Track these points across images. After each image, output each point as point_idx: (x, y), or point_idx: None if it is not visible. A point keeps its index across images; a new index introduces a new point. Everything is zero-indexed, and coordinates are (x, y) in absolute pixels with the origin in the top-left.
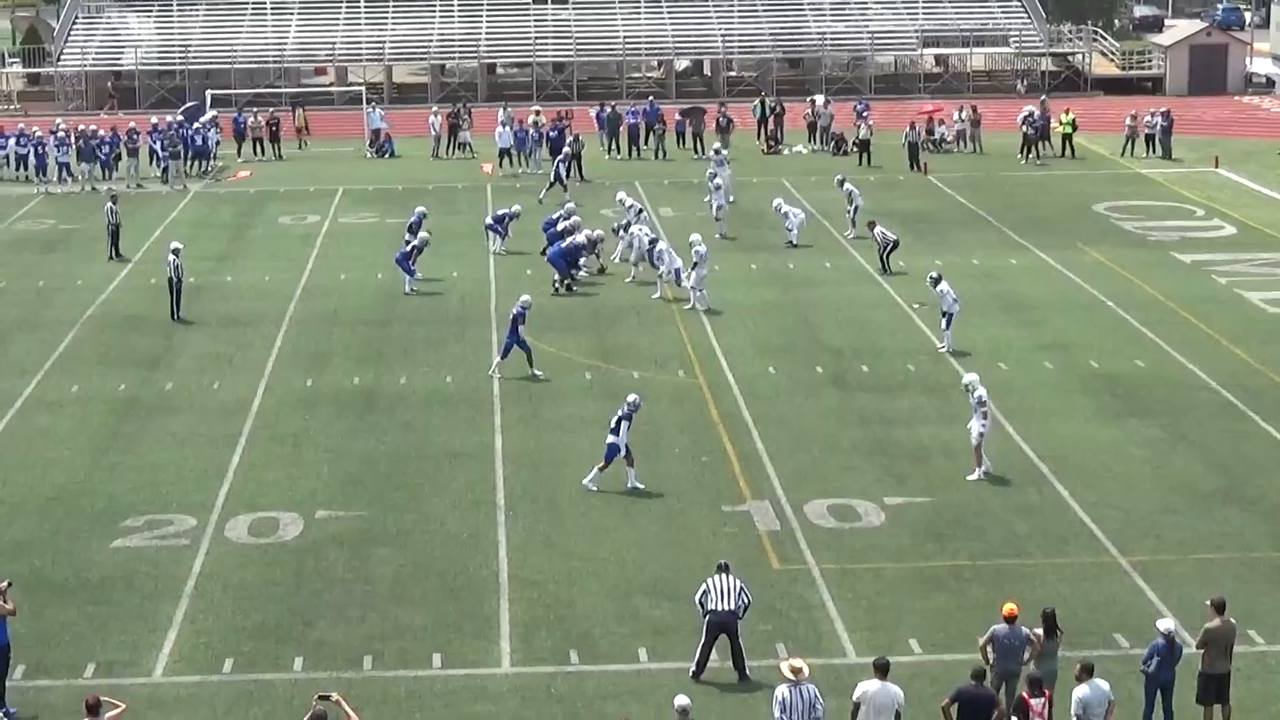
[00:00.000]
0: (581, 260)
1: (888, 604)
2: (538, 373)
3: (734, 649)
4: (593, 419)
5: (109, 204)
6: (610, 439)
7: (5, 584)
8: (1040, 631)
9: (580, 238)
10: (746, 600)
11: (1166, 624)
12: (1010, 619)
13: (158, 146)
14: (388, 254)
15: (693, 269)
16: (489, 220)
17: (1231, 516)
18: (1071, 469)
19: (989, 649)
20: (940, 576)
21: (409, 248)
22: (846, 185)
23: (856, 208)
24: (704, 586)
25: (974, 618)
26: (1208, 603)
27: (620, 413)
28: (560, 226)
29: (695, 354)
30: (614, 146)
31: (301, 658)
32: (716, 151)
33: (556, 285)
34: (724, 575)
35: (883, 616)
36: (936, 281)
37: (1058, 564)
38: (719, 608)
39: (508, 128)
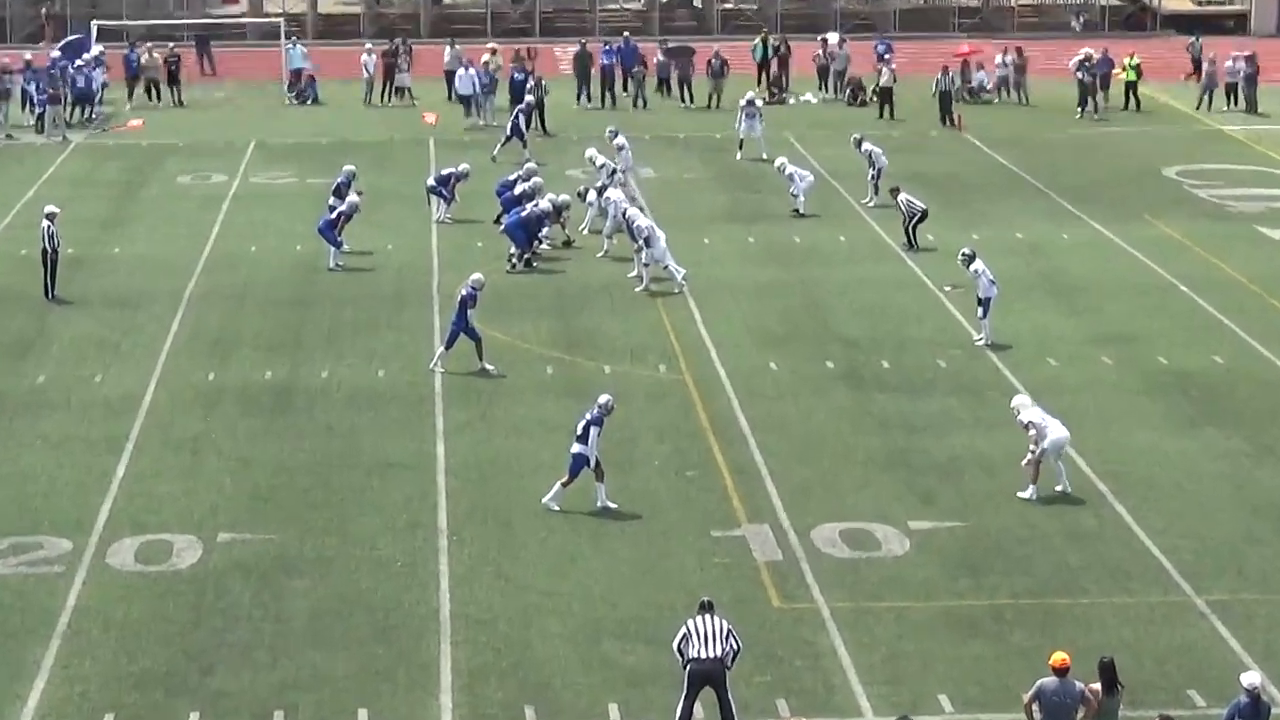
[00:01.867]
0: (544, 230)
1: (912, 651)
2: (489, 366)
3: (722, 705)
4: (554, 423)
5: None
6: (576, 448)
7: None
8: (1097, 686)
9: (544, 204)
10: (736, 646)
11: (1251, 678)
12: (1061, 671)
13: (31, 89)
14: (309, 221)
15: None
16: (431, 182)
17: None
18: (1136, 488)
19: (1035, 707)
20: (976, 618)
21: (334, 214)
22: (866, 145)
23: (880, 171)
24: (683, 630)
25: (1017, 668)
26: None
27: (589, 416)
28: (519, 190)
29: (679, 344)
30: (584, 93)
31: (198, 712)
32: (749, 103)
33: (513, 260)
34: (708, 616)
35: (906, 666)
36: (970, 260)
37: (1119, 604)
38: (702, 655)
39: (469, 70)
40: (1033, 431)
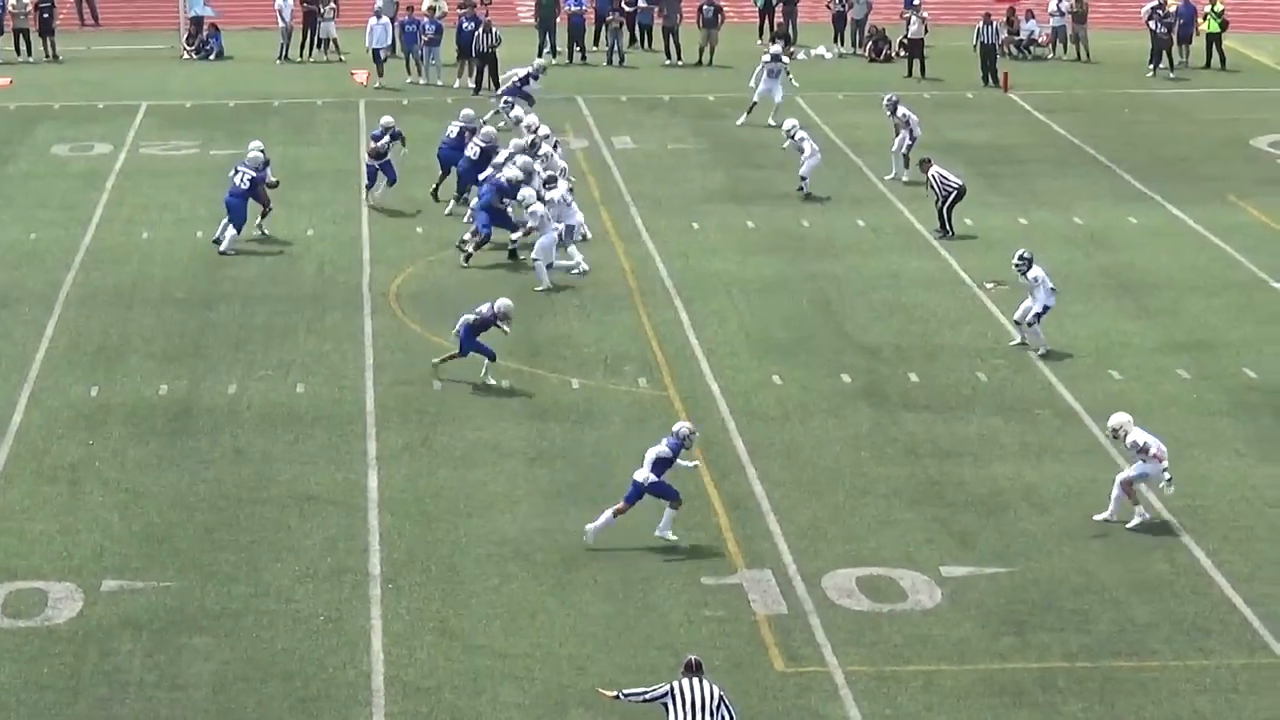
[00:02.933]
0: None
1: None
2: (492, 381)
3: None
4: (510, 448)
5: None
6: (646, 476)
7: None
8: None
9: (513, 170)
10: (729, 717)
11: None
12: None
13: None
14: (213, 202)
15: (523, 232)
16: (370, 159)
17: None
18: (1218, 527)
19: None
20: (1023, 684)
21: (245, 182)
22: (902, 109)
23: (915, 141)
24: (666, 689)
25: None
26: None
27: (664, 443)
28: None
29: (663, 353)
30: (548, 47)
31: None
32: (775, 58)
33: (466, 246)
34: (696, 680)
35: None
36: (1027, 266)
37: (1195, 666)
38: None
39: (383, 19)
40: (1153, 450)
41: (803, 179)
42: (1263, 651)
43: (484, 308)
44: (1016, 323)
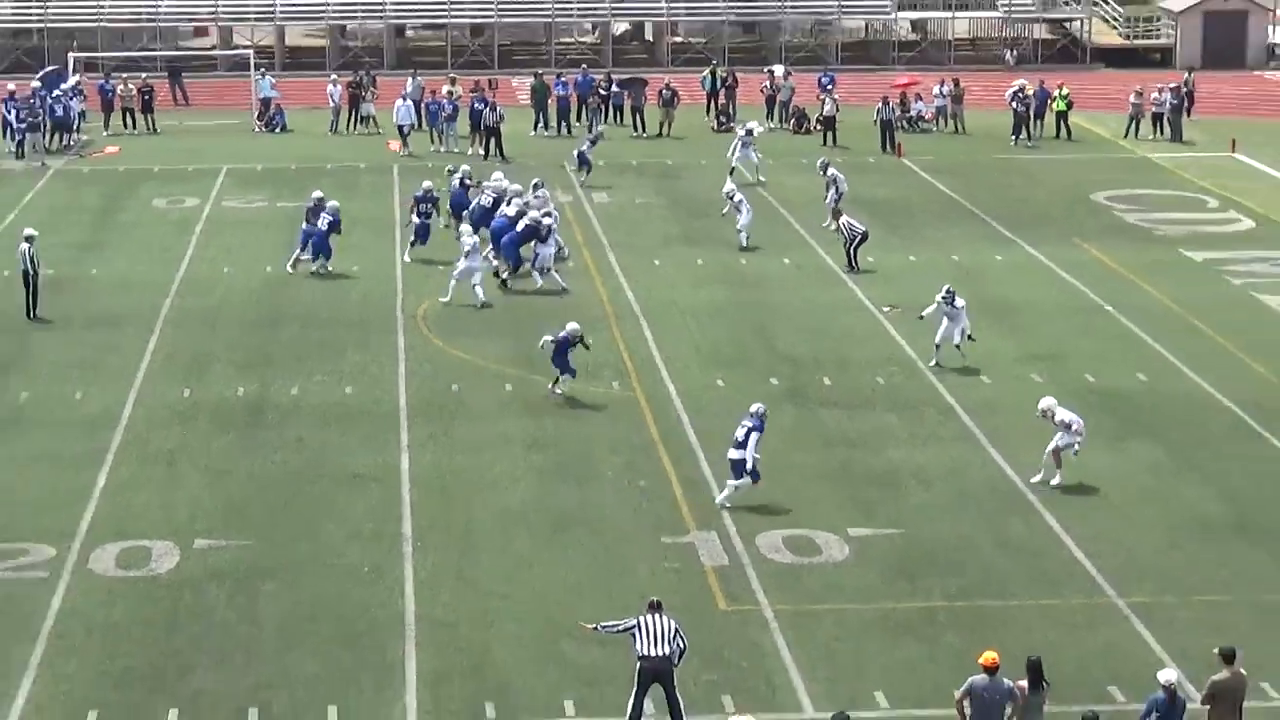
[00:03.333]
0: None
1: (850, 651)
2: (559, 390)
3: (670, 701)
4: (513, 437)
5: None
6: (735, 454)
7: None
8: (1024, 684)
9: (537, 214)
10: (683, 645)
11: (1168, 675)
12: (990, 669)
13: (12, 117)
14: (279, 244)
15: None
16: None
17: (1245, 554)
18: (1064, 498)
19: (966, 704)
20: (911, 620)
21: (325, 225)
22: (831, 170)
23: (840, 195)
24: (634, 621)
25: (949, 668)
26: (1216, 652)
27: (749, 424)
28: (512, 210)
29: (632, 363)
30: (541, 122)
31: (177, 710)
32: (749, 132)
33: (504, 278)
34: (657, 615)
35: (844, 665)
36: (953, 298)
37: (1046, 606)
38: (651, 653)
39: (408, 100)
40: (1074, 426)
41: (739, 232)
42: (1098, 594)
43: (560, 333)
44: (938, 345)
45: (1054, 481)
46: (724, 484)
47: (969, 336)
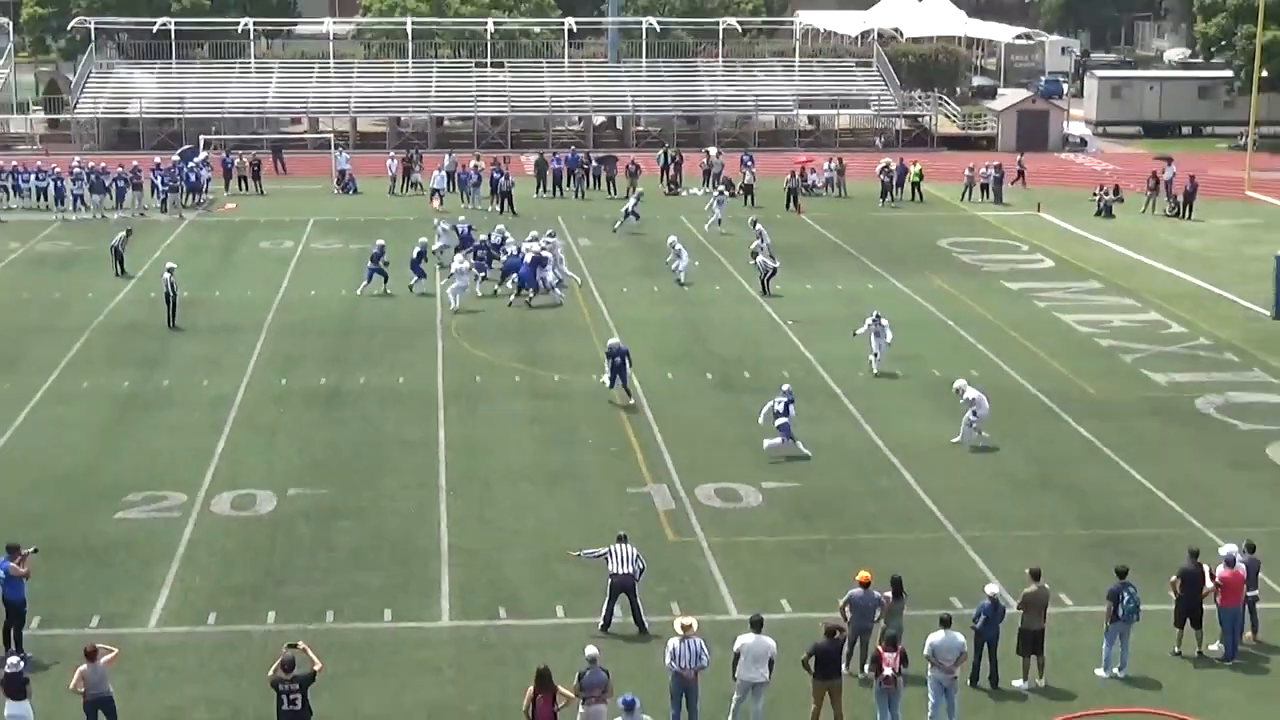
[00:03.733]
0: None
1: (764, 571)
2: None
3: (633, 607)
4: (521, 415)
5: (122, 233)
6: (780, 420)
7: (32, 550)
8: (889, 594)
9: (537, 248)
10: (643, 565)
11: (992, 588)
12: (864, 584)
13: (158, 182)
14: (351, 275)
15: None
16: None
17: (1047, 501)
18: (917, 460)
19: (847, 609)
20: (807, 549)
21: (416, 254)
22: (759, 226)
23: (766, 246)
24: (606, 550)
25: (835, 583)
26: (1026, 571)
27: (786, 400)
28: (525, 253)
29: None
30: (541, 187)
31: (274, 612)
32: (720, 193)
33: (527, 297)
34: (623, 544)
35: (759, 581)
36: (879, 318)
37: (904, 539)
38: (619, 571)
39: (442, 171)
40: (974, 404)
41: (676, 270)
42: (942, 530)
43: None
44: (875, 355)
45: (970, 440)
46: (670, 449)
47: (795, 320)
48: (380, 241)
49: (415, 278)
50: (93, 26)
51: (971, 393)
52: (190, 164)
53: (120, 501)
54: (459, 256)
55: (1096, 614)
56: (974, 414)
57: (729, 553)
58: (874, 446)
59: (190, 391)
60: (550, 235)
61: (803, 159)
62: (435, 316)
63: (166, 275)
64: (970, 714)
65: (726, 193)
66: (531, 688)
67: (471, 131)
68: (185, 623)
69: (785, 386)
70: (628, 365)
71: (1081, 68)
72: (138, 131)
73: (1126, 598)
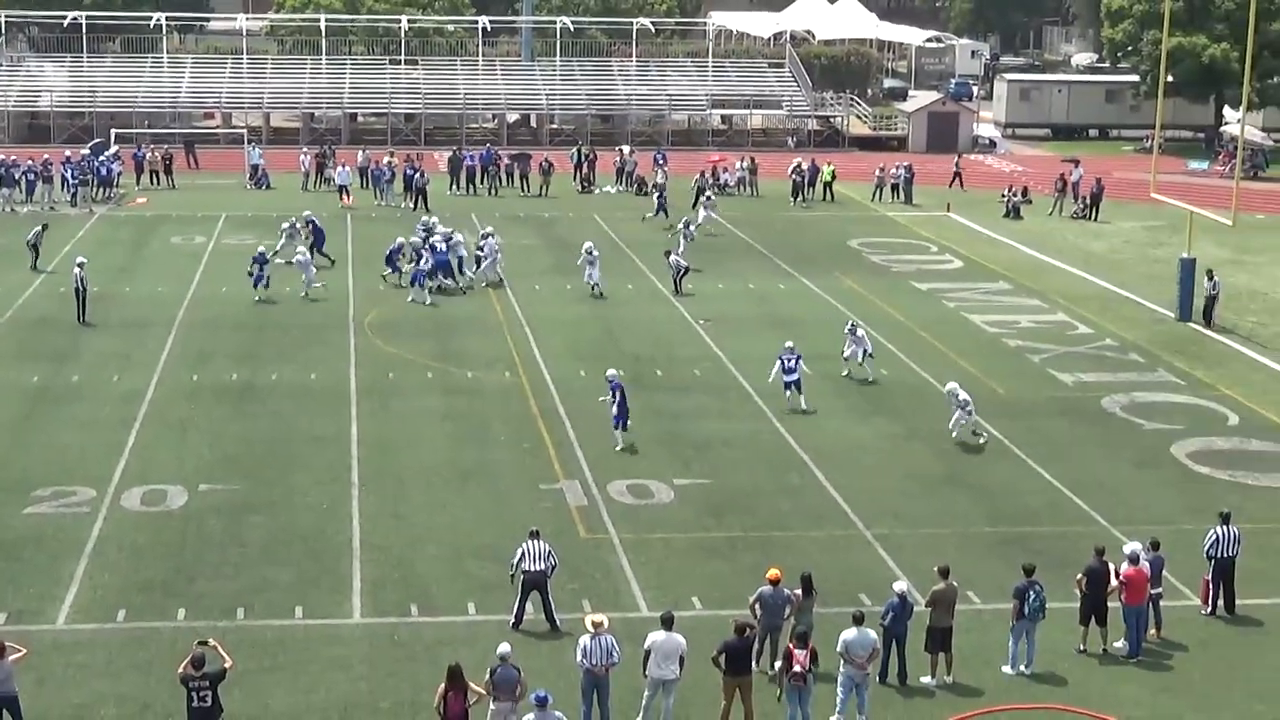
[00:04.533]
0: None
1: (675, 568)
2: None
3: (545, 604)
4: (433, 411)
5: (39, 228)
6: (790, 377)
7: None
8: (799, 592)
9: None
10: (554, 562)
11: (900, 585)
12: (775, 582)
13: (68, 175)
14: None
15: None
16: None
17: (955, 498)
18: (827, 457)
19: (757, 607)
20: (718, 546)
21: (390, 251)
22: (691, 228)
23: (688, 239)
24: (520, 550)
25: (745, 580)
26: (935, 569)
27: (795, 355)
28: (435, 241)
29: (519, 357)
30: (455, 184)
31: (184, 609)
32: (709, 198)
33: (459, 285)
34: (536, 541)
35: (670, 578)
36: (855, 328)
37: (814, 536)
38: (531, 568)
39: (346, 168)
40: (968, 408)
41: (589, 281)
42: (852, 527)
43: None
44: (846, 359)
45: (966, 436)
46: (583, 446)
47: (869, 355)
48: (307, 214)
49: (389, 269)
50: (2, 19)
51: (962, 394)
52: (101, 157)
53: (29, 496)
54: (301, 248)
55: (1003, 611)
56: (968, 413)
57: (640, 549)
58: (785, 444)
59: (100, 386)
60: (488, 233)
61: (715, 158)
62: (348, 313)
63: (77, 270)
64: (879, 711)
65: (714, 197)
66: (443, 685)
67: (385, 128)
68: (94, 619)
69: (789, 344)
70: (625, 402)
71: (991, 71)
72: (48, 125)
73: (1032, 595)
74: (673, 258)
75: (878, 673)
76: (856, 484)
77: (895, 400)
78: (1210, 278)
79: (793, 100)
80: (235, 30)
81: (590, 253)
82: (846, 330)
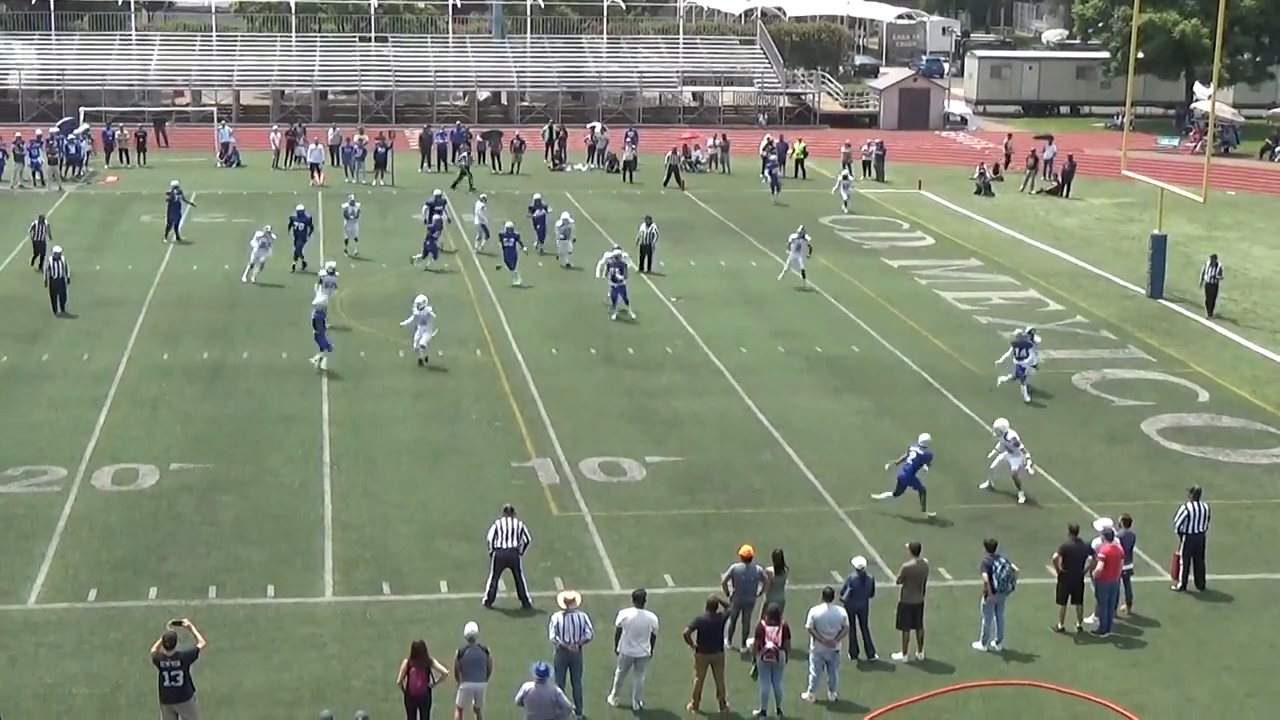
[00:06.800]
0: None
1: (647, 545)
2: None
3: (517, 581)
4: (403, 390)
5: (36, 222)
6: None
7: None
8: (771, 569)
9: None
10: (527, 540)
11: (859, 561)
12: (747, 559)
13: (40, 155)
14: (234, 249)
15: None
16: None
17: (928, 474)
18: (799, 434)
19: (729, 584)
20: (690, 523)
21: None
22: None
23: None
24: (494, 527)
25: (717, 557)
26: (906, 545)
27: (921, 453)
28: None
29: (490, 336)
30: (425, 162)
31: (156, 588)
32: (800, 237)
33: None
34: (509, 518)
35: (642, 555)
36: (804, 234)
37: (786, 513)
38: (504, 545)
39: (319, 145)
40: (1020, 445)
41: (562, 257)
42: (824, 504)
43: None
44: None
45: (1021, 500)
46: (554, 424)
47: (680, 297)
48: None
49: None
50: None
51: (1013, 434)
52: (70, 136)
53: None
54: (259, 233)
55: (974, 588)
56: (1018, 464)
57: (612, 527)
58: (757, 421)
59: (71, 365)
60: (482, 199)
61: (687, 135)
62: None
63: (52, 260)
64: (850, 686)
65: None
66: (406, 660)
67: (356, 106)
68: (65, 599)
69: (924, 437)
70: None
71: (962, 48)
72: (17, 104)
73: (999, 567)
74: (642, 229)
75: (847, 649)
76: (828, 460)
77: (866, 377)
78: (1214, 264)
79: (764, 77)
80: (204, 7)
81: (566, 225)
82: (794, 236)
